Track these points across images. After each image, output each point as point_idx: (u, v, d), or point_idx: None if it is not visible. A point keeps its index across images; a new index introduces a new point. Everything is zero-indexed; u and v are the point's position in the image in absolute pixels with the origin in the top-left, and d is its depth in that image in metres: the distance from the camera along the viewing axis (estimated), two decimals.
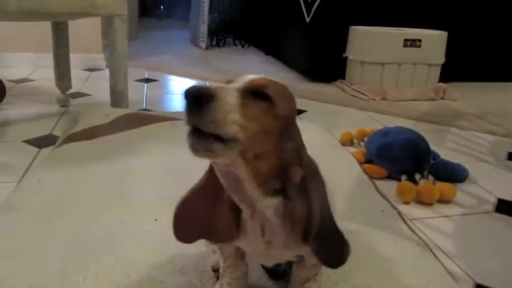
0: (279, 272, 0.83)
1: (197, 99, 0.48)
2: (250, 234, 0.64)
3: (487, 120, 2.09)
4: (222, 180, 0.59)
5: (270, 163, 0.56)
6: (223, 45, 4.26)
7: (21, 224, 0.99)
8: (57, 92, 2.04)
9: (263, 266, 0.85)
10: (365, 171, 1.38)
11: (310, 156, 0.61)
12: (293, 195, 0.60)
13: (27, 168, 1.34)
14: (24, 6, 1.41)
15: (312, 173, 0.60)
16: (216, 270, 0.83)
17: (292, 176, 0.59)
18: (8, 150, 1.48)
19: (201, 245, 0.92)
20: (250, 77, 0.57)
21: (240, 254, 0.75)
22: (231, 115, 0.50)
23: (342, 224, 1.03)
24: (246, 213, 0.62)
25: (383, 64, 2.54)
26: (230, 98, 0.51)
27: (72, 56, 2.06)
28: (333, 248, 0.65)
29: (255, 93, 0.54)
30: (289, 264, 0.77)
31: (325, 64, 2.75)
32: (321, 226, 0.60)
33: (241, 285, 0.77)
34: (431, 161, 1.42)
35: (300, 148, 0.60)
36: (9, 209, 1.05)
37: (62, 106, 2.03)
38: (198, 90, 0.48)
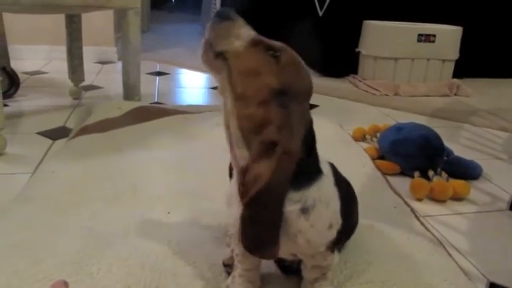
0: (291, 268, 0.83)
1: (220, 14, 0.62)
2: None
3: (501, 117, 2.07)
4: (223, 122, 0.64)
5: (254, 113, 0.59)
6: None
7: (36, 215, 1.00)
8: (70, 84, 2.05)
9: (276, 262, 0.85)
10: (378, 167, 1.38)
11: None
12: (257, 149, 0.59)
13: (41, 160, 1.35)
14: None
15: (287, 151, 0.58)
16: (227, 265, 0.83)
17: (265, 133, 0.58)
18: (22, 141, 1.49)
19: (213, 239, 0.93)
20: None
21: None
22: (231, 39, 0.61)
23: None
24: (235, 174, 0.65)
25: (396, 59, 2.51)
26: (243, 31, 0.62)
27: (84, 48, 2.07)
28: (258, 228, 0.60)
29: (268, 49, 0.61)
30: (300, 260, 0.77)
31: (338, 59, 2.74)
32: (261, 192, 0.57)
33: (253, 277, 0.77)
34: (445, 158, 1.41)
35: (291, 129, 0.59)
36: (24, 200, 1.06)
37: (74, 98, 2.04)
38: (225, 12, 0.63)
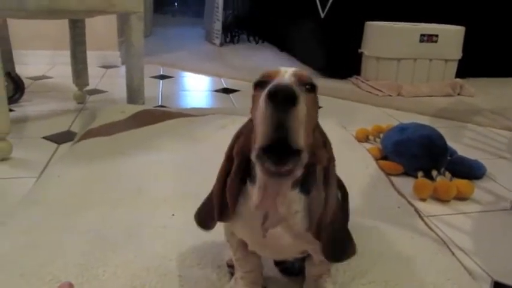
0: (293, 270, 0.83)
1: (288, 97, 0.48)
2: (248, 218, 0.65)
3: (505, 116, 2.07)
4: (261, 179, 0.59)
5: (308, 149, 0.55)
6: (238, 41, 4.26)
7: (42, 218, 1.01)
8: (75, 88, 2.07)
9: (276, 264, 0.85)
10: (381, 168, 1.38)
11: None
12: (313, 186, 0.61)
13: (47, 164, 1.36)
14: (43, 5, 1.43)
15: (332, 159, 0.62)
16: (231, 266, 0.84)
17: (320, 159, 0.60)
18: (28, 146, 1.50)
19: (218, 240, 0.93)
20: (287, 70, 0.58)
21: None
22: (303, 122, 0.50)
23: (358, 220, 1.04)
24: (256, 198, 0.61)
25: (399, 60, 2.52)
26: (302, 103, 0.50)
27: (88, 53, 2.09)
28: (338, 242, 0.64)
29: (303, 85, 0.56)
30: (303, 261, 0.78)
31: (340, 60, 2.74)
32: (333, 219, 0.61)
33: (255, 279, 0.77)
34: (448, 158, 1.41)
35: (322, 131, 0.62)
36: (30, 204, 1.08)
37: (79, 103, 2.06)
38: (289, 89, 0.48)
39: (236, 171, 0.63)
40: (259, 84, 0.57)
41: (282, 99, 0.48)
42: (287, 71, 0.57)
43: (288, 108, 0.48)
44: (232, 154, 0.64)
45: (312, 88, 0.57)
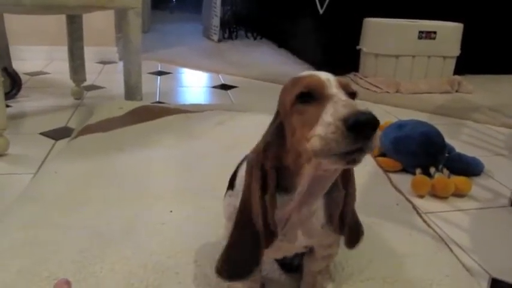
0: (292, 266, 0.83)
1: (371, 126, 0.47)
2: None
3: (503, 113, 2.07)
4: (305, 185, 0.58)
5: None
6: (236, 37, 4.25)
7: (39, 214, 1.01)
8: (72, 84, 2.06)
9: (277, 260, 0.85)
10: (379, 165, 1.38)
11: None
12: (337, 188, 0.63)
13: (44, 160, 1.36)
14: (39, 0, 1.42)
15: None
16: None
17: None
18: (25, 142, 1.50)
19: (216, 237, 0.93)
20: (330, 79, 0.55)
21: None
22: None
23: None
24: (293, 205, 0.61)
25: (397, 56, 2.51)
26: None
27: (85, 49, 2.08)
28: (356, 231, 0.71)
29: (348, 94, 0.55)
30: (302, 257, 0.78)
31: (339, 56, 2.73)
32: (353, 213, 0.65)
33: (254, 277, 0.77)
34: (446, 155, 1.41)
35: None
36: (27, 200, 1.07)
37: (76, 99, 2.05)
38: (374, 119, 0.47)
39: (274, 185, 0.59)
40: (303, 96, 0.54)
41: (365, 130, 0.47)
42: (330, 81, 0.55)
43: (370, 136, 0.48)
44: (263, 169, 0.59)
45: (354, 96, 0.56)
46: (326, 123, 0.49)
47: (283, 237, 0.64)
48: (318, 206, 0.63)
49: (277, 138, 0.58)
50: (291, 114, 0.56)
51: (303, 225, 0.64)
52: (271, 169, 0.59)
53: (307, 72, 0.59)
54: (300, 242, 0.66)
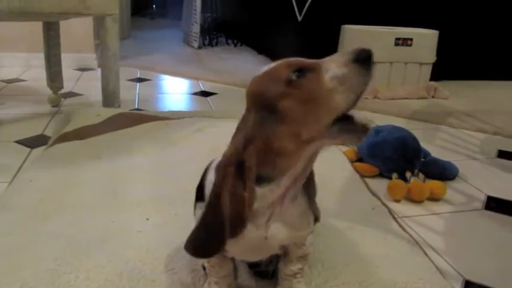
0: (267, 273, 0.83)
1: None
2: (253, 221, 0.64)
3: (478, 118, 2.11)
4: (301, 166, 0.61)
5: None
6: (216, 44, 4.25)
7: (14, 223, 0.99)
8: (49, 92, 2.04)
9: (250, 267, 0.85)
10: (356, 170, 1.39)
11: None
12: None
13: (19, 168, 1.34)
14: (15, 6, 1.41)
15: None
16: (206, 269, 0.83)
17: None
18: (0, 150, 1.47)
19: None
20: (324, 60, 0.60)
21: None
22: None
23: (333, 222, 1.05)
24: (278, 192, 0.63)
25: (375, 63, 2.54)
26: None
27: (63, 55, 2.06)
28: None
29: None
30: (277, 263, 0.78)
31: None
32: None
33: (229, 284, 0.77)
34: (422, 159, 1.43)
35: None
36: (1, 209, 1.05)
37: (53, 106, 2.02)
38: (370, 50, 0.58)
39: (253, 180, 0.59)
40: (297, 72, 0.58)
41: (371, 61, 0.58)
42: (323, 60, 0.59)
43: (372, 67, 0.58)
44: (242, 161, 0.59)
45: None
46: (337, 67, 0.56)
47: (265, 231, 0.65)
48: (298, 193, 0.66)
49: (261, 132, 0.59)
50: (288, 94, 0.58)
51: (284, 216, 0.65)
52: (252, 165, 0.58)
53: (273, 63, 0.63)
54: (282, 236, 0.66)
